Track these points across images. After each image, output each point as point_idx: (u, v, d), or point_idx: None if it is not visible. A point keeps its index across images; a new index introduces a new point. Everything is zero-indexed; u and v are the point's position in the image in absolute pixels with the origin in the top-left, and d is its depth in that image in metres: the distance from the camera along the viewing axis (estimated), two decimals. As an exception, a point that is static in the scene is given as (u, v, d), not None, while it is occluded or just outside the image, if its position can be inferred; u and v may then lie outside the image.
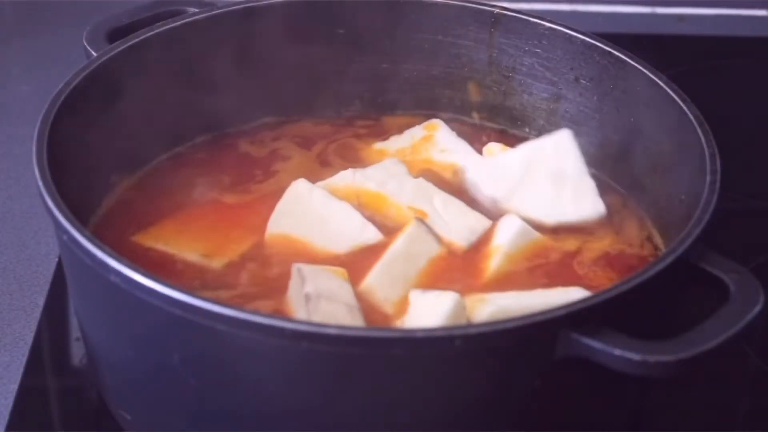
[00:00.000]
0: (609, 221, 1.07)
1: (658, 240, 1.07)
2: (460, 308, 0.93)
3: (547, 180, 1.06)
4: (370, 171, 1.07)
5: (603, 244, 1.05)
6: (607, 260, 1.04)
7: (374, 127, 1.20)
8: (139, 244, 1.03)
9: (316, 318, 0.91)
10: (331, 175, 1.09)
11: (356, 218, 1.04)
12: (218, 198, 1.09)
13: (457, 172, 1.12)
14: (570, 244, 1.05)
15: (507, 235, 1.03)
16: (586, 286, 0.99)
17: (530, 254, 1.03)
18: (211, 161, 1.13)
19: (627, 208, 1.09)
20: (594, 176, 1.08)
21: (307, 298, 0.93)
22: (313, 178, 1.08)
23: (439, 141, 1.15)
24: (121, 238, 1.03)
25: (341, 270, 0.98)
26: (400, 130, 1.18)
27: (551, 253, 1.04)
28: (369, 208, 1.06)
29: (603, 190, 1.08)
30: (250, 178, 1.12)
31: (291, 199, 1.05)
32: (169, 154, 1.14)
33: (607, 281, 1.01)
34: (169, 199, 1.08)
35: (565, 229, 1.06)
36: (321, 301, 0.93)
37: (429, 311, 0.93)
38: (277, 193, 1.06)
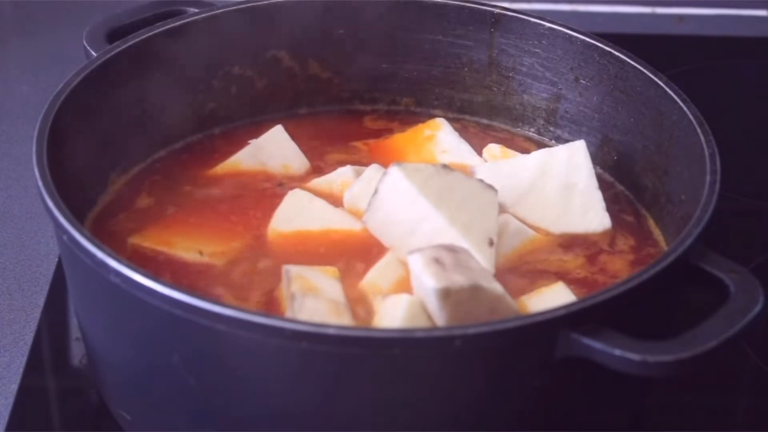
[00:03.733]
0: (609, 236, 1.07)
1: (660, 240, 1.07)
2: (416, 309, 0.92)
3: (556, 190, 1.07)
4: (357, 188, 1.06)
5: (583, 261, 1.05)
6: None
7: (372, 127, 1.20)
8: (137, 244, 1.03)
9: (301, 316, 0.91)
10: (327, 170, 1.10)
11: (358, 224, 1.04)
12: (217, 195, 1.09)
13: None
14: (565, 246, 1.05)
15: (502, 235, 1.03)
16: (581, 285, 1.00)
17: (525, 252, 1.03)
18: (210, 159, 1.13)
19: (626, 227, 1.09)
20: (597, 176, 1.09)
21: (292, 297, 0.93)
22: (311, 176, 1.09)
23: (441, 141, 1.15)
24: (120, 236, 1.03)
25: (332, 269, 0.98)
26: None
27: (547, 252, 1.04)
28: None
29: (605, 192, 1.09)
30: (249, 175, 1.12)
31: (290, 206, 1.05)
32: (167, 150, 1.14)
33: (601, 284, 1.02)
34: (168, 197, 1.08)
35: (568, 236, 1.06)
36: (306, 300, 0.93)
37: (389, 315, 0.92)
38: (276, 189, 1.07)
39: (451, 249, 0.93)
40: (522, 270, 1.02)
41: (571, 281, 1.01)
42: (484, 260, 0.96)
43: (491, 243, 0.98)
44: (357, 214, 1.04)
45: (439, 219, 0.97)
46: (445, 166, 1.00)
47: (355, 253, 1.02)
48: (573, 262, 1.04)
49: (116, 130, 1.09)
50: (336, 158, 1.15)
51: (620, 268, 1.04)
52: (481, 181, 1.00)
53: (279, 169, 1.12)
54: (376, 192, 0.99)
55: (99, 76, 1.06)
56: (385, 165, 1.07)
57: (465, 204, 0.98)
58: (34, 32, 1.58)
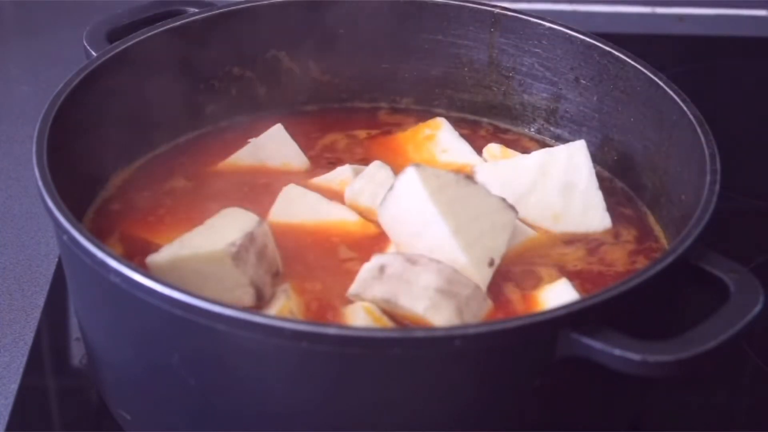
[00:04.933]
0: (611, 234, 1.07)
1: (660, 236, 1.07)
2: (375, 314, 0.94)
3: (556, 190, 1.07)
4: (358, 185, 1.07)
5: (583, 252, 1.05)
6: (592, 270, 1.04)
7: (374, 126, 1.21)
8: (137, 239, 1.03)
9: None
10: (327, 168, 1.11)
11: (353, 216, 1.04)
12: (217, 192, 1.09)
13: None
14: (565, 242, 1.05)
15: None
16: (581, 282, 1.00)
17: (524, 250, 1.03)
18: (210, 156, 1.13)
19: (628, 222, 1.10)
20: (598, 174, 1.09)
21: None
22: (310, 174, 1.10)
23: (441, 140, 1.15)
24: (119, 231, 1.03)
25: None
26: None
27: (547, 250, 1.04)
28: (365, 215, 1.06)
29: (605, 190, 1.09)
30: (249, 173, 1.12)
31: (285, 201, 1.05)
32: (167, 148, 1.14)
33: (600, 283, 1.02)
34: (167, 194, 1.09)
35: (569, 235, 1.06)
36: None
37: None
38: (274, 186, 1.07)
39: (413, 261, 0.94)
40: (521, 263, 1.02)
41: (570, 273, 1.01)
42: (478, 279, 0.96)
43: (491, 263, 0.97)
44: (357, 209, 1.05)
45: (443, 228, 0.96)
46: (467, 177, 0.99)
47: (352, 244, 1.02)
48: (573, 254, 1.04)
49: (116, 130, 1.09)
50: (336, 156, 1.15)
51: (619, 257, 1.04)
52: (503, 200, 0.99)
53: (279, 168, 1.12)
54: (391, 188, 0.99)
55: (99, 76, 1.06)
56: (386, 162, 1.07)
57: (477, 219, 0.98)
58: (34, 32, 1.58)
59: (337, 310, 0.96)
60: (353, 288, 0.95)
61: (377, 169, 1.07)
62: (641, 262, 1.04)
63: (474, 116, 1.22)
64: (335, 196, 1.07)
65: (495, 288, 0.98)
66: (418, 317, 0.92)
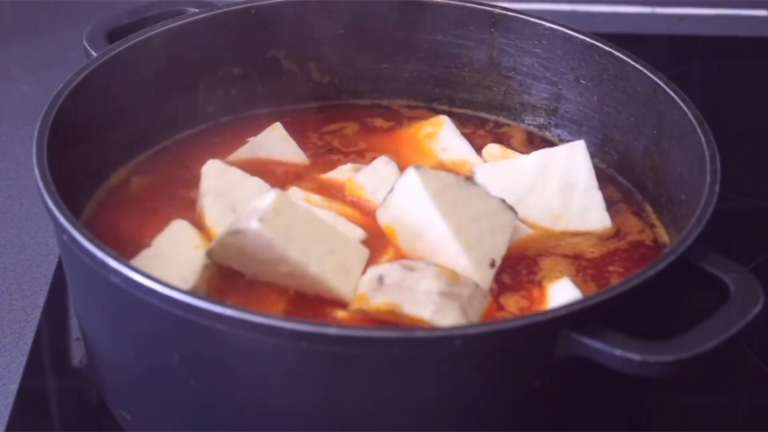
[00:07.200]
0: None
1: (662, 233, 1.07)
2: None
3: (556, 190, 1.07)
4: (361, 177, 1.07)
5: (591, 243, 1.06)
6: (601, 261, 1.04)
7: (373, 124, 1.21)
8: (136, 237, 1.03)
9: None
10: (327, 166, 1.11)
11: (353, 214, 1.05)
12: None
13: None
14: (566, 241, 1.05)
15: None
16: (581, 280, 1.00)
17: (524, 249, 1.03)
18: (209, 155, 1.13)
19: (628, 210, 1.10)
20: (598, 169, 1.09)
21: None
22: (310, 173, 1.10)
23: (442, 139, 1.15)
24: (117, 228, 1.04)
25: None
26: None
27: (547, 248, 1.04)
28: (365, 212, 1.06)
29: (606, 187, 1.09)
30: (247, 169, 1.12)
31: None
32: (166, 146, 1.14)
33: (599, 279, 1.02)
34: (167, 192, 1.09)
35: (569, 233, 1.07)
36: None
37: None
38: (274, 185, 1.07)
39: (410, 267, 0.94)
40: (518, 266, 1.02)
41: (588, 260, 1.02)
42: (480, 280, 0.96)
43: (492, 264, 0.98)
44: (360, 200, 1.06)
45: (444, 230, 0.97)
46: (468, 179, 1.00)
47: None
48: (585, 242, 1.04)
49: (116, 130, 1.09)
50: (335, 155, 1.15)
51: (634, 224, 1.05)
52: (503, 201, 0.99)
53: (277, 167, 1.12)
54: (392, 190, 0.99)
55: (99, 76, 1.06)
56: (391, 158, 1.08)
57: (477, 220, 0.98)
58: (35, 32, 1.58)
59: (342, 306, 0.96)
60: (354, 303, 0.95)
61: (383, 164, 1.08)
62: (648, 234, 1.05)
63: (473, 116, 1.22)
64: (335, 194, 1.07)
65: (499, 283, 0.99)
66: (425, 323, 0.92)
